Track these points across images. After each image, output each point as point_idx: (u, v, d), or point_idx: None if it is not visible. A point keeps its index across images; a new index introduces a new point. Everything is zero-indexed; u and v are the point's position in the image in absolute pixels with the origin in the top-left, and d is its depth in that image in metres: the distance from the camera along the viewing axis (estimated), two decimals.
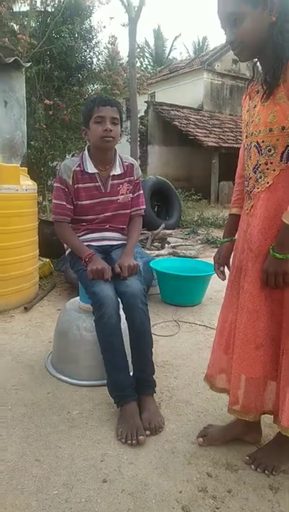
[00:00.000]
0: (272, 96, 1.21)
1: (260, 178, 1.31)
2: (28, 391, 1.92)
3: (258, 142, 1.30)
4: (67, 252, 2.09)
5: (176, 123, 12.53)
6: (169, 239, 5.70)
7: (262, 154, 1.29)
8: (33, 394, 1.89)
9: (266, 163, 1.29)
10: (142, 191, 2.14)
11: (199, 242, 5.97)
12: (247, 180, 1.39)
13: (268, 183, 1.29)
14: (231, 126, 13.81)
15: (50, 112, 7.45)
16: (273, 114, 1.22)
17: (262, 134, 1.28)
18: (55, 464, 1.45)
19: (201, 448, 1.55)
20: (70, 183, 1.93)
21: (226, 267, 1.64)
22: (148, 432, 1.60)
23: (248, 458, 1.47)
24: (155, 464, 1.46)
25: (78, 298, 2.18)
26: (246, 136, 1.37)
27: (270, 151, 1.27)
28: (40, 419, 1.70)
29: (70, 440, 1.58)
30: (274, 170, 1.27)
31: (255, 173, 1.33)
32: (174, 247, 5.23)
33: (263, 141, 1.28)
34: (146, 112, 13.14)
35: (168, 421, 1.70)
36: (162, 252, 4.85)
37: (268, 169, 1.29)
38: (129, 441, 1.55)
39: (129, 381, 1.72)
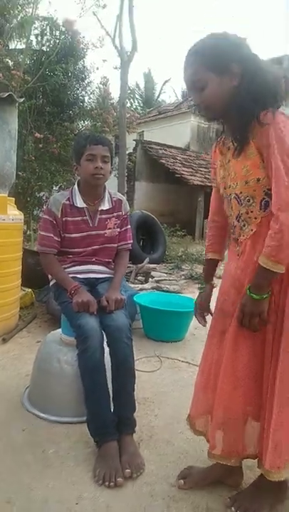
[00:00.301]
0: (244, 152, 1.29)
1: (244, 226, 1.37)
2: (2, 427, 1.84)
3: (236, 194, 1.36)
4: (51, 283, 2.07)
5: (163, 161, 12.89)
6: (153, 273, 5.71)
7: (242, 205, 1.35)
8: (7, 430, 1.81)
9: (247, 213, 1.35)
10: (129, 226, 2.18)
11: (183, 277, 6.01)
12: (232, 228, 1.44)
13: (251, 230, 1.34)
14: None
15: (40, 145, 7.60)
16: (246, 168, 1.29)
17: (239, 187, 1.34)
18: (27, 506, 1.37)
19: (181, 491, 1.49)
20: (59, 215, 1.95)
21: (206, 312, 1.65)
22: (127, 472, 1.54)
23: (228, 500, 1.43)
24: (133, 507, 1.40)
25: (60, 330, 2.14)
26: (224, 188, 1.44)
27: (249, 201, 1.33)
28: (14, 458, 1.62)
29: (43, 481, 1.50)
30: (255, 218, 1.33)
31: (238, 221, 1.39)
32: (157, 281, 5.24)
33: (241, 193, 1.34)
34: (134, 149, 13.51)
35: (147, 462, 1.64)
36: (146, 286, 4.85)
37: (249, 218, 1.34)
38: (107, 483, 1.49)
39: (111, 418, 1.68)
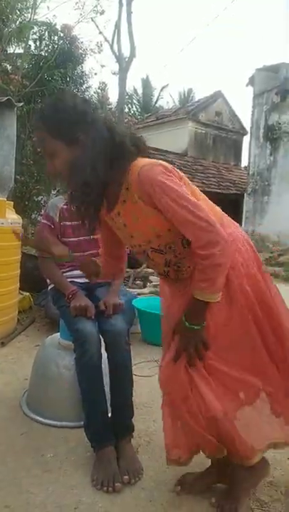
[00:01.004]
0: (140, 212, 1.25)
1: (179, 267, 1.33)
2: (1, 431, 1.83)
3: (153, 248, 1.33)
4: (49, 287, 2.08)
5: None
6: (151, 278, 5.71)
7: (166, 253, 1.32)
8: (6, 434, 1.81)
9: (175, 256, 1.32)
10: None
11: None
12: (164, 274, 1.39)
13: (189, 267, 1.32)
14: (214, 172, 14.36)
15: (39, 149, 7.62)
16: (152, 227, 1.26)
17: (154, 242, 1.31)
18: (26, 511, 1.37)
19: (179, 497, 1.49)
20: (57, 220, 1.97)
21: None
22: (126, 478, 1.54)
23: (214, 501, 1.44)
24: None
25: (58, 334, 2.14)
26: (131, 246, 1.41)
27: (170, 247, 1.30)
28: (13, 462, 1.62)
29: (43, 485, 1.50)
30: (184, 258, 1.30)
31: (170, 266, 1.34)
32: (156, 286, 5.23)
33: (159, 245, 1.31)
34: None
35: (146, 467, 1.64)
36: (144, 290, 4.85)
37: (180, 258, 1.31)
38: (105, 488, 1.49)
39: (108, 424, 1.68)
